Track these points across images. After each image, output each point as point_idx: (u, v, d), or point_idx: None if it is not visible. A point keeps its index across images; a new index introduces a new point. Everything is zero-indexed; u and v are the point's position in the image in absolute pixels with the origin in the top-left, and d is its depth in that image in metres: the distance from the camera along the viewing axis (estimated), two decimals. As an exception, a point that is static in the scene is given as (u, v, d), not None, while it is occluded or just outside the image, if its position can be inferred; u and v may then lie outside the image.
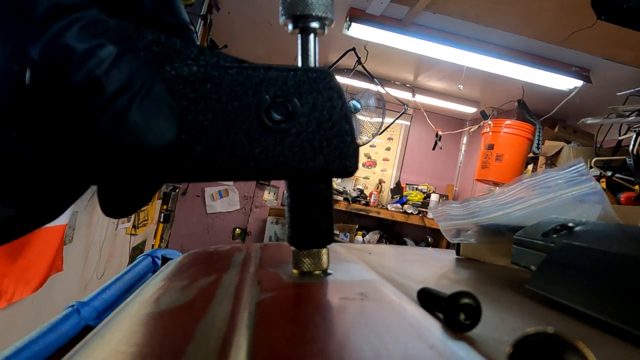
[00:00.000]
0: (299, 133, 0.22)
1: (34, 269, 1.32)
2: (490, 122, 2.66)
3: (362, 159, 3.76)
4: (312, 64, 0.25)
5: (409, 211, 3.29)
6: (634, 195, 1.39)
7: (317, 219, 0.25)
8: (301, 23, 0.25)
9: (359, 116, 2.36)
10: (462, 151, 3.74)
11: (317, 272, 0.27)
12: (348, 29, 1.97)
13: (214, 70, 0.21)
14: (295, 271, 0.27)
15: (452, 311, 0.19)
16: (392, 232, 3.66)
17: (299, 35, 0.25)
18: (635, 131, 1.33)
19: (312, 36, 0.25)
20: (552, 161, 2.28)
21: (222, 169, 0.21)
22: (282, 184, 3.63)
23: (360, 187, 3.62)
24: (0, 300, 1.16)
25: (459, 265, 0.46)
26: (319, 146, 0.22)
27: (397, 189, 3.61)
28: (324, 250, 0.26)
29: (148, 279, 0.46)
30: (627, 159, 1.33)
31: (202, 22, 1.97)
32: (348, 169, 0.23)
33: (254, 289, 0.24)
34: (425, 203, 3.37)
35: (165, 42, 0.20)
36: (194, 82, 0.20)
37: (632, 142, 1.31)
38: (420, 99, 3.09)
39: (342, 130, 0.23)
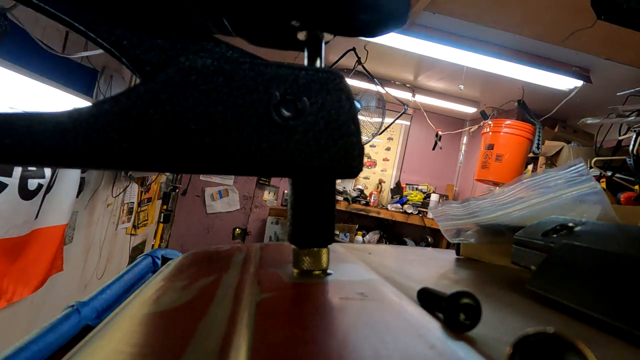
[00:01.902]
0: (306, 131, 0.22)
1: (34, 269, 1.32)
2: (490, 122, 2.66)
3: (362, 159, 3.75)
4: (318, 65, 0.25)
5: (409, 211, 3.29)
6: (634, 195, 1.39)
7: (318, 218, 0.25)
8: None
9: (358, 116, 2.35)
10: (462, 151, 3.74)
11: (317, 272, 0.27)
12: (348, 29, 1.97)
13: (227, 64, 0.21)
14: (295, 271, 0.27)
15: (452, 311, 0.19)
16: (392, 232, 3.66)
17: (307, 37, 0.25)
18: (635, 131, 1.33)
19: (320, 38, 0.25)
20: (552, 161, 2.28)
21: (229, 162, 0.21)
22: (282, 184, 3.62)
23: (360, 187, 3.62)
24: (0, 300, 1.16)
25: (459, 265, 0.46)
26: (325, 145, 0.22)
27: (397, 189, 3.60)
28: (324, 250, 0.26)
29: (148, 279, 0.46)
30: (627, 159, 1.33)
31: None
32: (353, 169, 0.23)
33: (254, 289, 0.24)
34: (425, 203, 3.37)
35: (182, 31, 0.21)
36: (206, 75, 0.20)
37: (632, 142, 1.31)
38: (420, 99, 3.09)
39: (348, 131, 0.23)
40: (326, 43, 0.26)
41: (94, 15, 0.20)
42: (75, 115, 0.19)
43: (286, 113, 0.22)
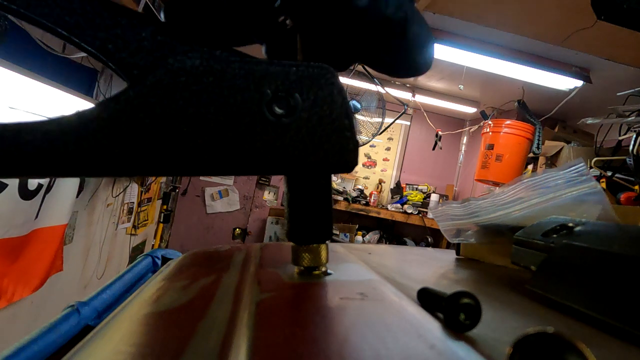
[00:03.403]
0: (299, 128, 0.22)
1: (34, 269, 1.32)
2: (490, 122, 2.66)
3: (362, 159, 3.76)
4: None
5: (409, 211, 3.29)
6: (634, 195, 1.39)
7: (316, 214, 0.25)
8: None
9: (358, 116, 2.36)
10: (462, 151, 3.74)
11: (317, 272, 0.27)
12: (348, 29, 1.97)
13: (216, 64, 0.21)
14: (295, 270, 0.27)
15: (452, 311, 0.19)
16: (392, 232, 3.66)
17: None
18: (635, 131, 1.33)
19: None
20: (552, 161, 2.28)
21: (224, 163, 0.21)
22: (282, 184, 3.62)
23: (360, 187, 3.62)
24: (0, 300, 1.16)
25: (459, 265, 0.46)
26: (320, 141, 0.22)
27: (397, 189, 3.60)
28: (323, 246, 0.26)
29: (148, 279, 0.46)
30: (627, 159, 1.33)
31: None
32: (348, 163, 0.23)
33: (254, 289, 0.24)
34: (425, 203, 3.37)
35: (169, 31, 0.21)
36: (196, 75, 0.20)
37: (632, 142, 1.31)
38: (420, 99, 3.09)
39: (342, 125, 0.23)
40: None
41: (76, 20, 0.19)
42: (63, 123, 0.18)
43: (279, 110, 0.21)
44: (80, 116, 0.19)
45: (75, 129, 0.18)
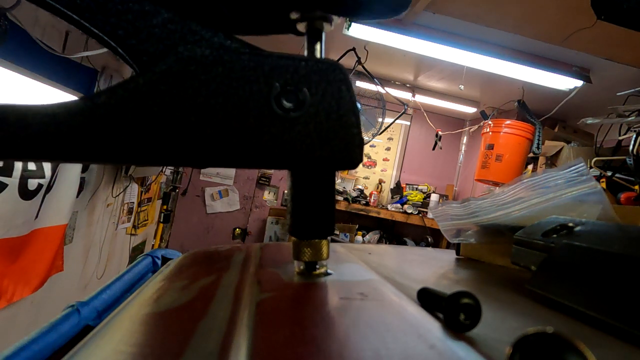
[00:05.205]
0: (307, 122, 0.22)
1: (34, 269, 1.32)
2: (490, 122, 2.66)
3: (362, 159, 3.76)
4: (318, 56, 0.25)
5: (409, 211, 3.29)
6: (634, 195, 1.39)
7: (318, 210, 0.25)
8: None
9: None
10: (462, 151, 3.74)
11: (317, 272, 0.27)
12: (348, 29, 1.97)
13: (226, 55, 0.20)
14: (295, 270, 0.27)
15: (452, 311, 0.19)
16: (392, 232, 3.66)
17: (307, 29, 0.25)
18: (635, 131, 1.33)
19: (319, 29, 0.25)
20: (552, 161, 2.27)
21: (231, 155, 0.21)
22: (282, 184, 3.62)
23: (360, 187, 3.62)
24: (0, 300, 1.16)
25: (459, 265, 0.46)
26: (326, 136, 0.22)
27: (397, 189, 3.60)
28: (325, 242, 0.26)
29: (148, 279, 0.46)
30: (627, 159, 1.33)
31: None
32: (353, 160, 0.23)
33: (254, 289, 0.24)
34: (425, 203, 3.37)
35: (180, 20, 0.20)
36: (206, 65, 0.20)
37: (632, 142, 1.31)
38: (420, 99, 3.09)
39: (349, 122, 0.23)
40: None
41: (87, 3, 0.19)
42: (71, 108, 0.18)
43: (287, 104, 0.21)
44: (87, 101, 0.19)
45: (82, 114, 0.18)
